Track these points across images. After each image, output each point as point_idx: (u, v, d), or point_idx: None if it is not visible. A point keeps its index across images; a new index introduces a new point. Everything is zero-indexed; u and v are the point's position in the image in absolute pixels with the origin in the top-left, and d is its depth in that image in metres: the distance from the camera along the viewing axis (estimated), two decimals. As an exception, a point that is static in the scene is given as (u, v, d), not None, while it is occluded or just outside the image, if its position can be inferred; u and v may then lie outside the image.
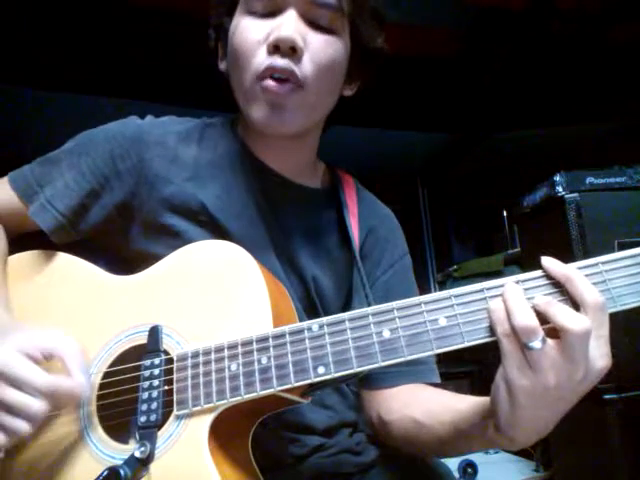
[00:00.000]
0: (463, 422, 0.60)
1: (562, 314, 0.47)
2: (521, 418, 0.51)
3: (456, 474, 2.08)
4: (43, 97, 2.18)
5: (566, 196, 1.48)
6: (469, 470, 2.10)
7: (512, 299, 0.50)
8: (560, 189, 1.50)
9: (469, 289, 0.54)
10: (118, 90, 2.20)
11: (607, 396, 1.40)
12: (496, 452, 2.37)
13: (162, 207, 0.74)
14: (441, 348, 0.53)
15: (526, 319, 0.48)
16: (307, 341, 0.56)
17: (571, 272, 0.50)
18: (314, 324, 0.57)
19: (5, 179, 0.78)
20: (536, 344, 0.47)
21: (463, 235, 3.62)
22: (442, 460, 0.80)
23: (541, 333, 0.47)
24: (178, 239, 0.72)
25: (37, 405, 0.56)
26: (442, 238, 3.54)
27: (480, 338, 0.52)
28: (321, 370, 0.55)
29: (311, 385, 0.59)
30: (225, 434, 0.59)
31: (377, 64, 0.80)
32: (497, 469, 2.21)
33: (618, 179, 1.50)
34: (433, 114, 2.73)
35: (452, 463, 2.12)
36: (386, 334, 0.54)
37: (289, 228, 0.79)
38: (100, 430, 0.62)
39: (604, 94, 2.52)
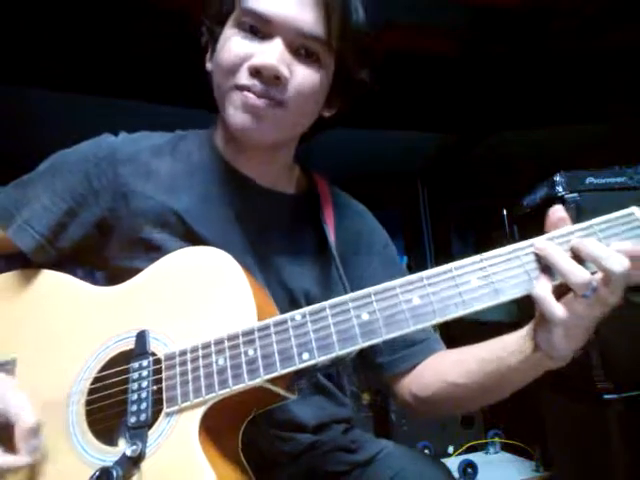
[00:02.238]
0: (506, 368, 0.66)
1: (606, 256, 0.53)
2: (573, 345, 0.59)
3: (456, 474, 2.08)
4: (44, 97, 2.18)
5: (566, 196, 1.48)
6: (469, 470, 2.10)
7: (560, 259, 0.55)
8: (560, 189, 1.50)
9: (439, 270, 0.58)
10: (119, 90, 2.20)
11: (607, 396, 1.40)
12: (496, 452, 2.37)
13: (140, 221, 0.76)
14: (416, 325, 0.56)
15: (581, 275, 0.53)
16: (291, 330, 0.59)
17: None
18: (297, 314, 0.60)
19: None
20: (589, 292, 0.53)
21: (463, 235, 3.62)
22: (441, 460, 0.81)
23: (594, 283, 0.53)
24: (157, 252, 0.73)
25: None
26: (442, 238, 3.54)
27: (450, 313, 0.56)
28: (305, 356, 0.57)
29: (297, 373, 0.61)
30: (215, 429, 0.60)
31: (358, 93, 0.82)
32: (497, 469, 2.21)
33: (618, 179, 1.50)
34: (434, 114, 2.72)
35: (452, 463, 2.13)
36: (365, 317, 0.57)
37: (268, 235, 0.80)
38: (89, 434, 0.62)
39: (604, 94, 2.52)
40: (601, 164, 1.52)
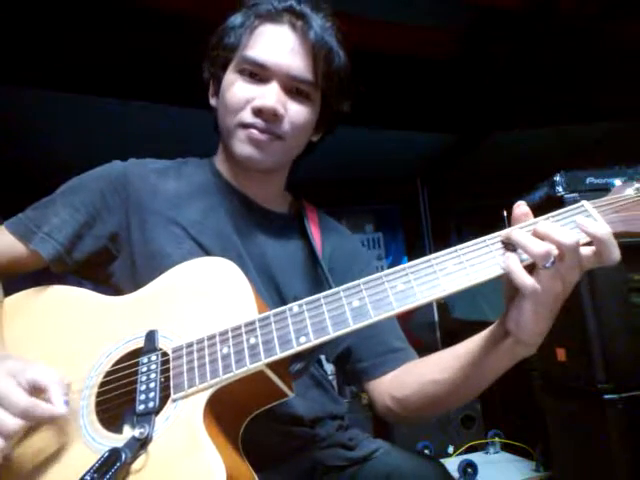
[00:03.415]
0: (479, 359, 0.71)
1: (556, 232, 0.59)
2: (540, 325, 0.63)
3: (456, 474, 2.07)
4: (44, 97, 2.18)
5: (566, 196, 1.48)
6: (469, 470, 2.10)
7: (523, 237, 0.61)
8: (560, 189, 1.50)
9: (419, 261, 0.65)
10: (119, 90, 2.20)
11: (607, 396, 1.40)
12: (496, 452, 2.37)
13: (148, 235, 0.84)
14: (401, 307, 0.62)
15: (540, 246, 0.59)
16: (289, 319, 0.65)
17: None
18: (295, 305, 0.66)
19: (2, 227, 0.85)
20: (549, 263, 0.59)
21: (463, 235, 3.62)
22: (440, 460, 0.82)
23: (552, 257, 0.59)
24: (164, 261, 0.79)
25: (13, 423, 0.60)
26: (442, 238, 3.54)
27: (431, 295, 0.62)
28: (303, 340, 0.62)
29: (295, 358, 0.67)
30: (219, 417, 0.63)
31: (340, 121, 0.96)
32: (497, 469, 2.21)
33: (618, 179, 1.50)
34: (433, 114, 2.72)
35: (452, 463, 2.13)
36: (355, 303, 0.63)
37: (263, 247, 0.89)
38: (97, 424, 0.66)
39: (604, 93, 2.52)
40: (601, 164, 1.52)
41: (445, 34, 2.32)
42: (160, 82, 2.23)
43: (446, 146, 3.09)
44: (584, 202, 0.64)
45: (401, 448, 0.86)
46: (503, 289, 0.67)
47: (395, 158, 3.14)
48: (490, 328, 0.71)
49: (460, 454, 2.33)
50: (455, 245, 0.66)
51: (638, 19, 2.12)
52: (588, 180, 1.49)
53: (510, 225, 0.66)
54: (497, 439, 2.39)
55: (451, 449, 2.34)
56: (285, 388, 0.67)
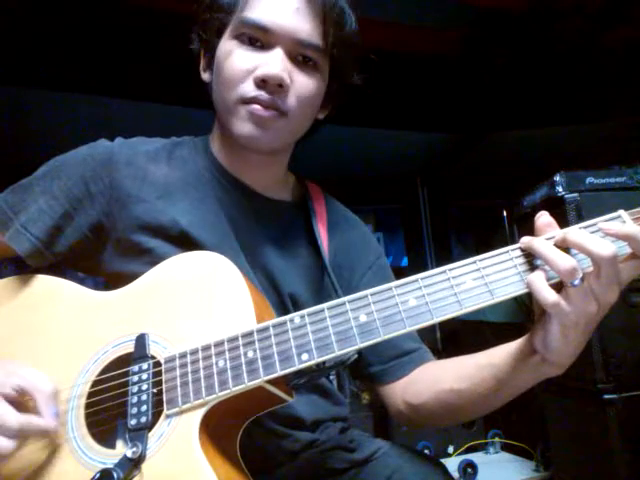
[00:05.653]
0: (503, 372, 0.65)
1: (591, 242, 0.52)
2: (569, 348, 0.58)
3: (456, 474, 2.07)
4: (43, 97, 2.18)
5: (566, 196, 1.48)
6: (469, 470, 2.10)
7: (545, 248, 0.54)
8: (560, 189, 1.50)
9: (434, 272, 0.59)
10: (117, 90, 2.20)
11: (607, 396, 1.41)
12: (496, 452, 2.37)
13: (135, 225, 0.76)
14: (413, 326, 0.57)
15: (565, 261, 0.53)
16: (290, 332, 0.59)
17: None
18: (296, 316, 0.60)
19: None
20: (578, 281, 0.53)
21: (463, 235, 3.62)
22: (440, 460, 0.81)
23: (581, 270, 0.53)
24: (151, 256, 0.74)
25: (5, 444, 0.57)
26: (442, 238, 3.54)
27: (446, 313, 0.57)
28: (305, 357, 0.58)
29: (297, 374, 0.61)
30: (215, 431, 0.60)
31: (350, 95, 0.86)
32: (497, 469, 2.21)
33: (618, 179, 1.50)
34: (433, 114, 2.72)
35: (452, 463, 2.12)
36: (363, 318, 0.58)
37: (261, 239, 0.82)
38: (89, 438, 0.62)
39: (604, 94, 2.52)
40: (601, 164, 1.52)
41: (446, 34, 2.32)
42: (161, 82, 2.23)
43: (446, 146, 3.09)
44: (621, 212, 0.57)
45: (401, 447, 0.82)
46: (534, 303, 0.60)
47: (395, 158, 3.14)
48: (517, 342, 0.65)
49: (460, 454, 2.32)
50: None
51: (638, 19, 2.12)
52: (588, 180, 1.50)
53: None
54: (497, 439, 2.39)
55: (451, 449, 2.34)
56: (284, 396, 0.63)
